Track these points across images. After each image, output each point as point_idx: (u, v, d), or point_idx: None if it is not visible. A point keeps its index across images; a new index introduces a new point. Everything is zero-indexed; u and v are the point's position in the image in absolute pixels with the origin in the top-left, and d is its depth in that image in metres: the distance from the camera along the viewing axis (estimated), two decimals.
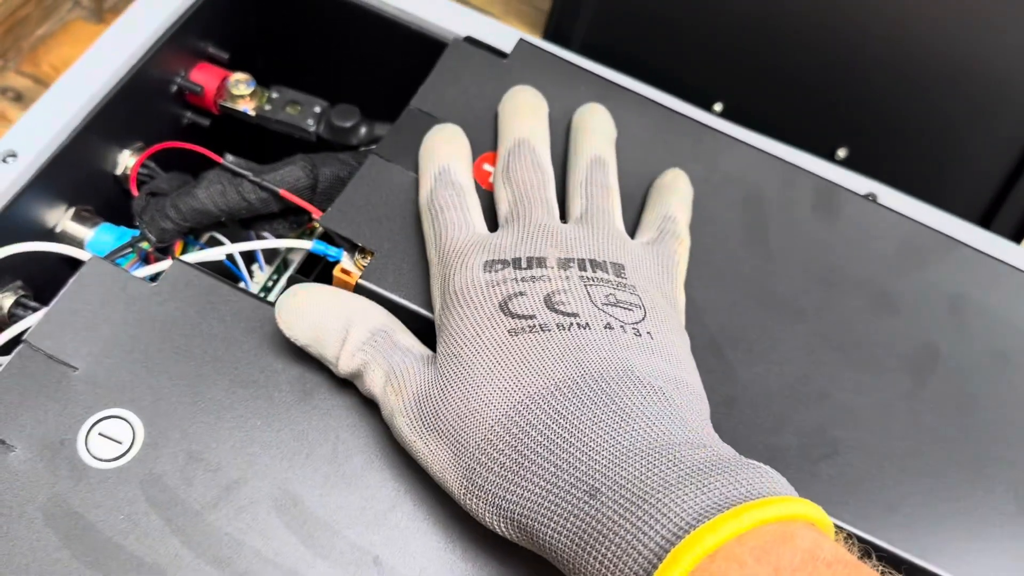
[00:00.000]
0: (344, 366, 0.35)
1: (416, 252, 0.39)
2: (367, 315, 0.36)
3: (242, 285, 0.45)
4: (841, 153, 0.69)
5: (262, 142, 0.50)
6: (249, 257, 0.46)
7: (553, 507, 0.29)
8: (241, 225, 0.44)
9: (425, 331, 0.38)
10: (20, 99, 0.79)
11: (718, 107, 0.70)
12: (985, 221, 0.68)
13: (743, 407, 0.39)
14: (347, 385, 0.37)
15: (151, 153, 0.45)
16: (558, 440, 0.30)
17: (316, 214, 0.42)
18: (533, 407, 0.31)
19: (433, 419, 0.32)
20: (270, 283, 0.46)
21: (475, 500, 0.31)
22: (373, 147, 0.41)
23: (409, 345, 0.35)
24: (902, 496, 0.38)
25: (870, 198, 0.46)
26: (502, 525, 0.31)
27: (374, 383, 0.34)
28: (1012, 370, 0.42)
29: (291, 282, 0.40)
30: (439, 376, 0.33)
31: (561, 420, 0.30)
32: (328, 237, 0.40)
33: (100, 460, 0.34)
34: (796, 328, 0.41)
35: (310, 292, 0.35)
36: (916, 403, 0.40)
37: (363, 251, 0.40)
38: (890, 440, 0.39)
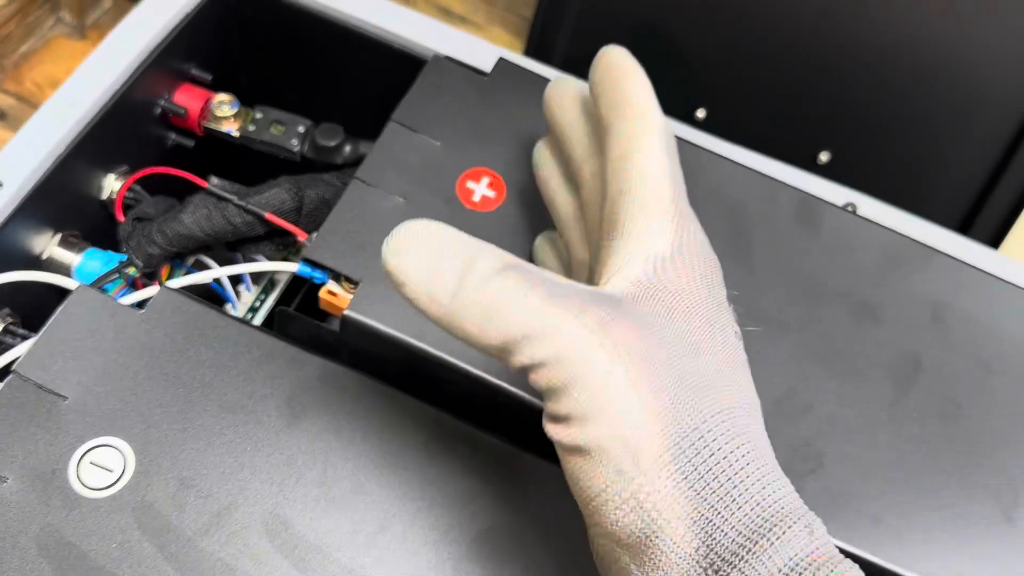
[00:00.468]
0: (469, 296, 0.27)
1: None
2: (496, 251, 0.28)
3: (229, 307, 0.46)
4: (823, 157, 0.70)
5: (247, 162, 0.50)
6: (236, 278, 0.46)
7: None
8: (227, 247, 0.44)
9: (416, 364, 0.39)
10: (3, 117, 0.79)
11: (701, 113, 0.71)
12: (965, 225, 0.69)
13: None
14: (336, 408, 0.37)
15: (136, 179, 0.45)
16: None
17: (302, 236, 0.42)
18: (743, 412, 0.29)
19: (661, 367, 0.27)
20: (257, 303, 0.46)
21: (672, 478, 0.26)
22: (356, 170, 0.41)
23: (565, 283, 0.29)
24: (887, 507, 0.38)
25: (849, 209, 0.47)
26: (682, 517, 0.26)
27: (524, 309, 0.27)
28: (994, 377, 0.42)
29: (278, 311, 0.40)
30: (670, 331, 0.28)
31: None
32: None
33: (92, 489, 0.35)
34: (781, 341, 0.42)
35: (432, 223, 0.29)
36: (899, 412, 0.41)
37: (349, 279, 0.40)
38: (874, 451, 0.40)
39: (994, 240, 0.68)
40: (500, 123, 0.45)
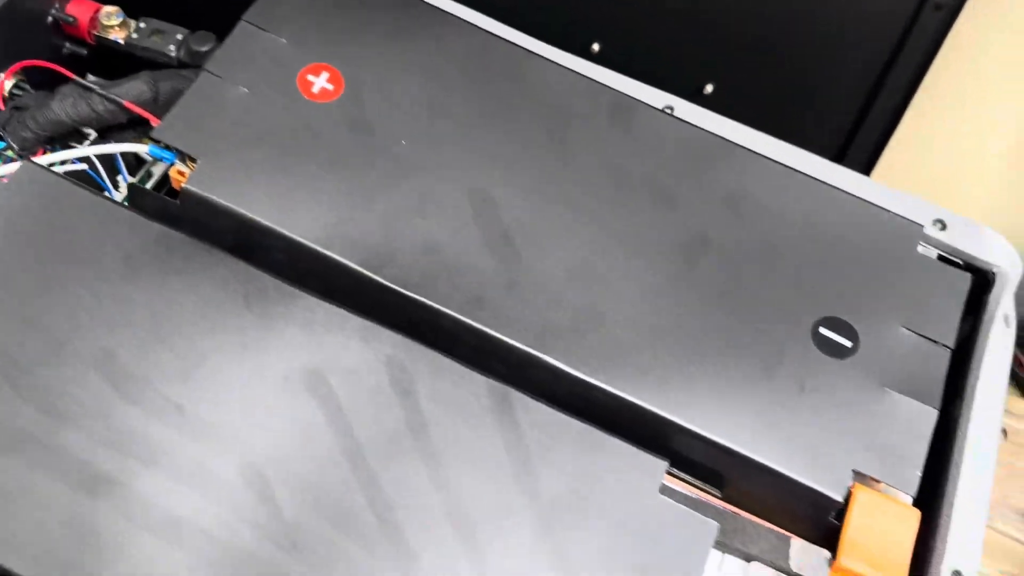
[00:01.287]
0: None
1: (242, 161, 0.45)
2: None
3: (106, 194, 0.51)
4: (708, 88, 0.74)
5: (132, 67, 0.55)
6: (115, 169, 0.51)
7: None
8: (100, 136, 0.49)
9: (247, 232, 0.43)
10: None
11: (596, 47, 0.75)
12: (842, 152, 0.73)
13: (524, 289, 0.44)
14: (168, 266, 0.42)
15: (14, 71, 0.50)
16: None
17: (155, 123, 0.47)
18: None
19: None
20: None
21: None
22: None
23: None
24: (657, 361, 0.43)
25: (667, 111, 0.51)
26: None
27: None
28: (777, 258, 0.47)
29: (129, 186, 0.45)
30: None
31: None
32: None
33: None
34: (583, 222, 0.46)
35: None
36: (683, 285, 0.45)
37: (192, 158, 0.45)
38: (654, 315, 0.44)
39: (866, 168, 0.72)
40: (342, 26, 0.49)
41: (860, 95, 0.71)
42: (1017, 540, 0.72)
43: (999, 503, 0.73)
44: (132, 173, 0.52)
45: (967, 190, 0.74)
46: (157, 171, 0.52)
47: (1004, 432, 0.75)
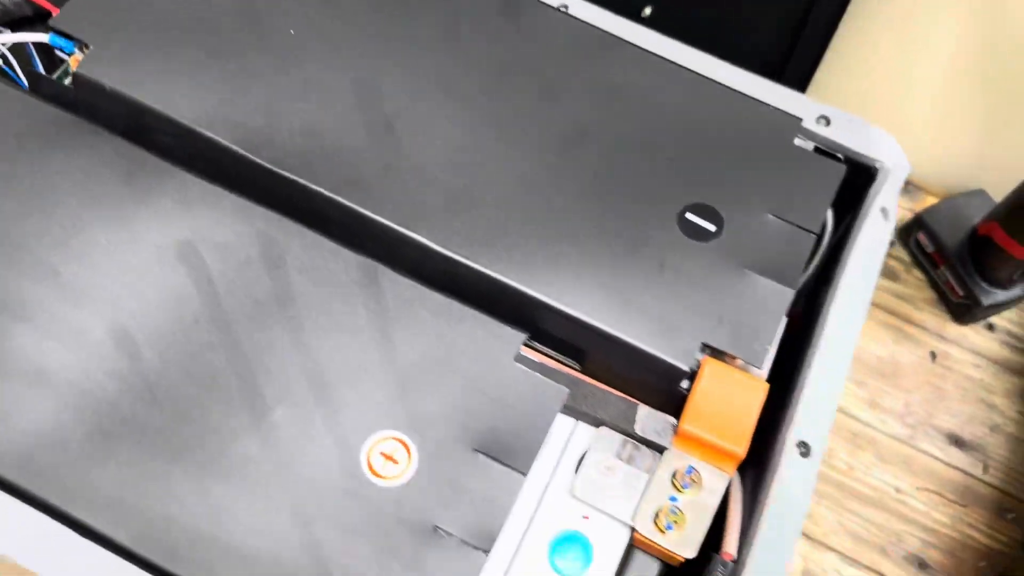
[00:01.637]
0: None
1: (132, 47, 0.47)
2: None
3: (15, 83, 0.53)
4: (647, 11, 0.75)
5: None
6: (29, 62, 0.53)
7: None
8: (10, 31, 0.52)
9: (136, 116, 0.45)
10: None
11: None
12: (779, 70, 0.74)
13: (400, 172, 0.46)
14: (57, 145, 0.44)
15: None
16: None
17: (56, 13, 0.49)
18: None
19: None
20: None
21: None
22: None
23: None
24: (524, 241, 0.44)
25: (562, 9, 0.52)
26: None
27: None
28: (654, 148, 0.48)
29: (29, 75, 0.47)
30: None
31: None
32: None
33: None
34: (465, 111, 0.48)
35: None
36: (558, 172, 0.47)
37: (87, 45, 0.47)
38: (526, 199, 0.46)
39: (802, 85, 0.72)
40: None
41: (795, 14, 0.72)
42: (938, 459, 0.73)
43: (924, 423, 0.74)
44: (51, 72, 0.54)
45: (900, 108, 0.74)
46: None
47: (933, 355, 0.76)
